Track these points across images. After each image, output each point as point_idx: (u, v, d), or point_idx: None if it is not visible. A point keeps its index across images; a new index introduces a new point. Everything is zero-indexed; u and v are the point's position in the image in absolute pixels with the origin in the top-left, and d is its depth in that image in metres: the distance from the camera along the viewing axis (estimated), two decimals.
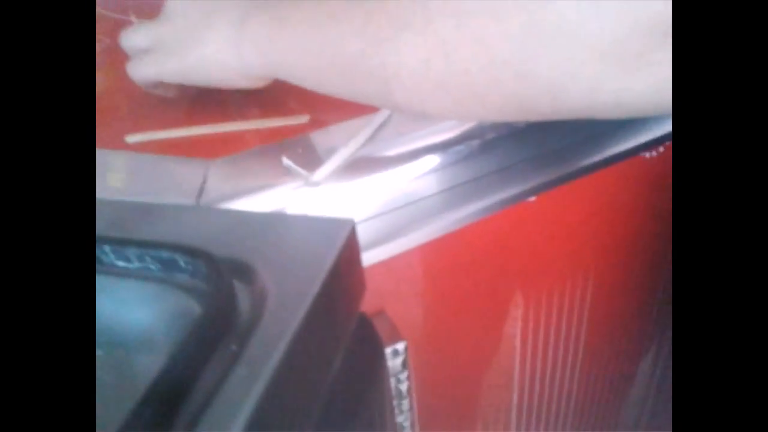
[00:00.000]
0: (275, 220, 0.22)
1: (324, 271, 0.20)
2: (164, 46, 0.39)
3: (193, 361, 0.16)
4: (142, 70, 0.40)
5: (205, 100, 0.45)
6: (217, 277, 0.18)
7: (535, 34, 0.23)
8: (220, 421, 0.15)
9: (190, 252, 0.19)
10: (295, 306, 0.18)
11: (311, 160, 0.37)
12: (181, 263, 0.19)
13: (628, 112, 0.26)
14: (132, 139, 0.40)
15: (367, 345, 0.24)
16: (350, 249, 0.21)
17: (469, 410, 0.50)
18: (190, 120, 0.42)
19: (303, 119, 0.41)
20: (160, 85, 0.42)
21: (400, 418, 0.42)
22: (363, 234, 0.37)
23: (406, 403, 0.41)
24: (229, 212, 0.22)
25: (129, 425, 0.14)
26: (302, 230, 0.21)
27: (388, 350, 0.38)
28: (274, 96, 0.45)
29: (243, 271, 0.19)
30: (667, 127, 0.45)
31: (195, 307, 0.19)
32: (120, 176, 0.37)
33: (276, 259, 0.20)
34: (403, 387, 0.40)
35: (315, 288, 0.19)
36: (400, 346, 0.38)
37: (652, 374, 0.69)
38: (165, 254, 0.19)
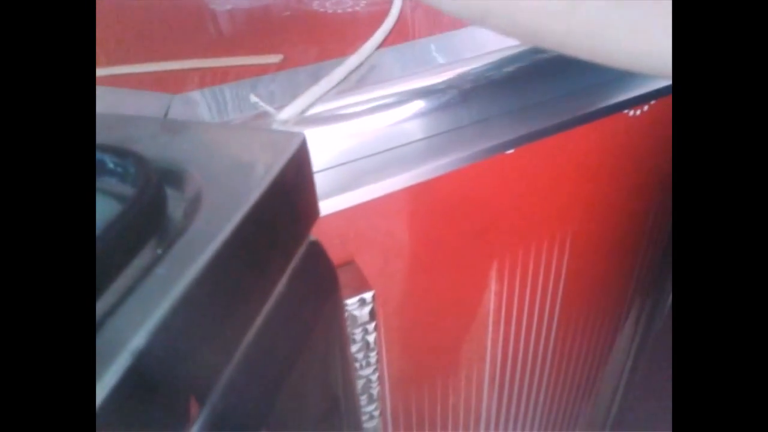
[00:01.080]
0: (221, 131, 0.20)
1: (266, 182, 0.18)
2: None
3: (104, 260, 0.15)
4: None
5: (177, 36, 0.43)
6: (146, 178, 0.17)
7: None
8: (129, 320, 0.14)
9: (119, 153, 0.17)
10: (230, 213, 0.17)
11: (281, 99, 0.36)
12: (110, 164, 0.17)
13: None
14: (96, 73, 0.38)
15: (318, 275, 0.23)
16: (299, 164, 0.20)
17: (441, 367, 0.49)
18: (160, 56, 0.40)
19: (276, 59, 0.39)
20: None
21: (367, 371, 0.41)
22: (335, 179, 0.36)
23: (373, 356, 0.40)
24: (172, 122, 0.20)
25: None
26: (249, 142, 0.20)
27: (355, 299, 0.37)
28: (249, 35, 0.43)
29: (176, 176, 0.18)
30: (651, 86, 0.44)
31: None
32: None
33: (218, 168, 0.19)
34: (371, 338, 0.39)
35: (253, 197, 0.18)
36: (368, 295, 0.37)
37: (629, 348, 0.69)
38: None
